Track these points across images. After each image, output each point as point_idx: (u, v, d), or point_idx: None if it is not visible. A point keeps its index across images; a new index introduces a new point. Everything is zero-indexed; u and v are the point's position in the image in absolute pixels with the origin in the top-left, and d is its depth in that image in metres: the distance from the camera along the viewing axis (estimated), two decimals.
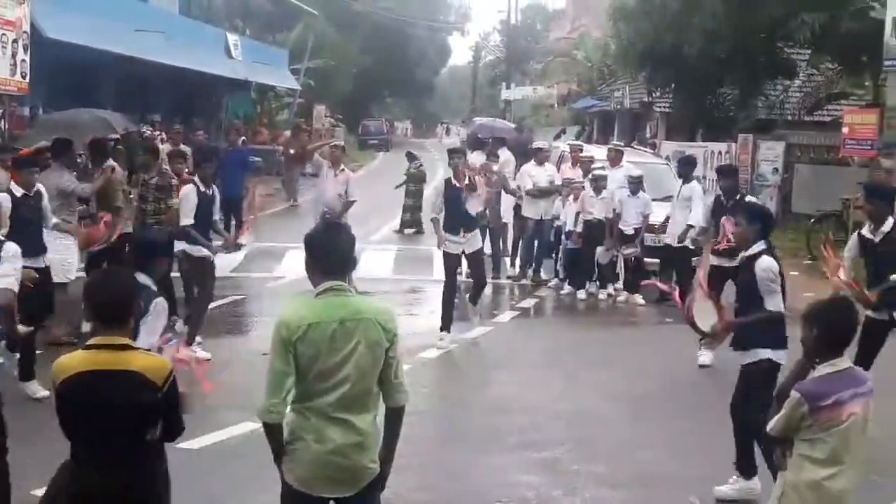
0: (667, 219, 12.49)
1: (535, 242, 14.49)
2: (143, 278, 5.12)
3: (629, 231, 13.26)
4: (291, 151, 25.25)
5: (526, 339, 11.55)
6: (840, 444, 4.31)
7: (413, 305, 13.00)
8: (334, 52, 48.02)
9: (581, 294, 13.48)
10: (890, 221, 7.43)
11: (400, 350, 4.14)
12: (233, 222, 16.66)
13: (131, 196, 10.98)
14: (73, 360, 3.90)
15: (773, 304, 6.16)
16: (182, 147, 15.10)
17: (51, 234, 9.74)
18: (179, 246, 9.80)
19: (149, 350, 4.26)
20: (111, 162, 10.25)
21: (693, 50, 21.82)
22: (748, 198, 10.91)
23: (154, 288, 5.75)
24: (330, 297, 4.06)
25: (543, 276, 14.56)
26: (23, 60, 17.90)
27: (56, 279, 9.85)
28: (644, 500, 6.53)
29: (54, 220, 9.19)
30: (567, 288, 13.77)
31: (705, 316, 6.70)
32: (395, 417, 4.18)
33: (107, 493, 3.84)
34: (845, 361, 4.42)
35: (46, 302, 8.55)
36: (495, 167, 14.51)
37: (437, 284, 13.94)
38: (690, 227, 12.46)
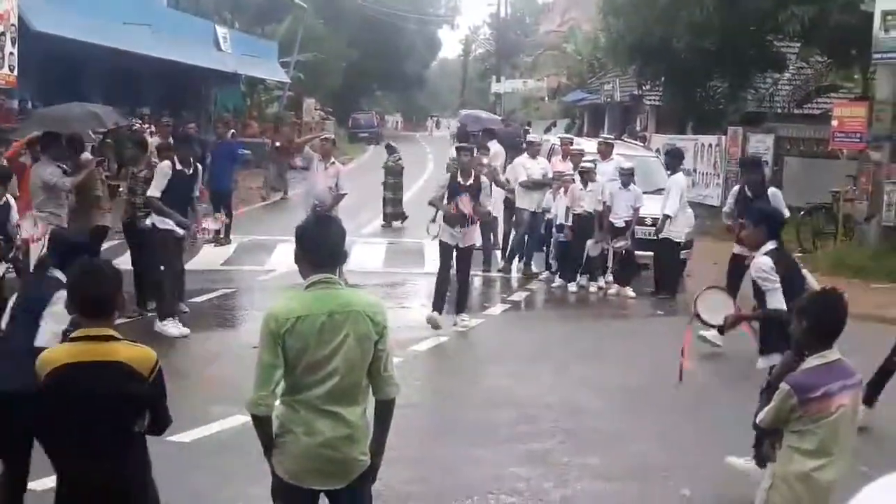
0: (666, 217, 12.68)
1: (527, 235, 14.48)
2: (57, 273, 5.12)
3: (620, 224, 13.29)
4: (278, 144, 25.24)
5: (517, 331, 11.56)
6: (829, 436, 4.33)
7: (404, 298, 12.99)
8: (324, 45, 47.91)
9: (572, 287, 13.49)
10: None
11: (389, 343, 4.13)
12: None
13: (120, 189, 10.99)
14: (58, 353, 3.91)
15: (773, 301, 6.15)
16: (171, 140, 15.05)
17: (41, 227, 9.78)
18: (150, 219, 10.18)
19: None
20: (87, 155, 10.27)
21: (682, 43, 21.81)
22: (771, 189, 10.81)
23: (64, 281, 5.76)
24: (319, 290, 4.05)
25: (534, 269, 14.57)
26: (11, 53, 17.82)
27: None
28: (636, 492, 6.54)
29: (40, 213, 9.29)
30: (558, 281, 13.77)
31: (719, 307, 6.80)
32: (385, 410, 4.17)
33: (92, 485, 3.83)
34: (834, 353, 4.44)
35: None
36: (485, 160, 14.50)
37: (428, 277, 13.97)
38: (667, 217, 12.67)
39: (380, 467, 4.22)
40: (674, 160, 13.44)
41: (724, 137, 22.47)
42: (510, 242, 14.83)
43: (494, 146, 16.02)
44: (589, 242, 13.38)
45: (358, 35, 58.39)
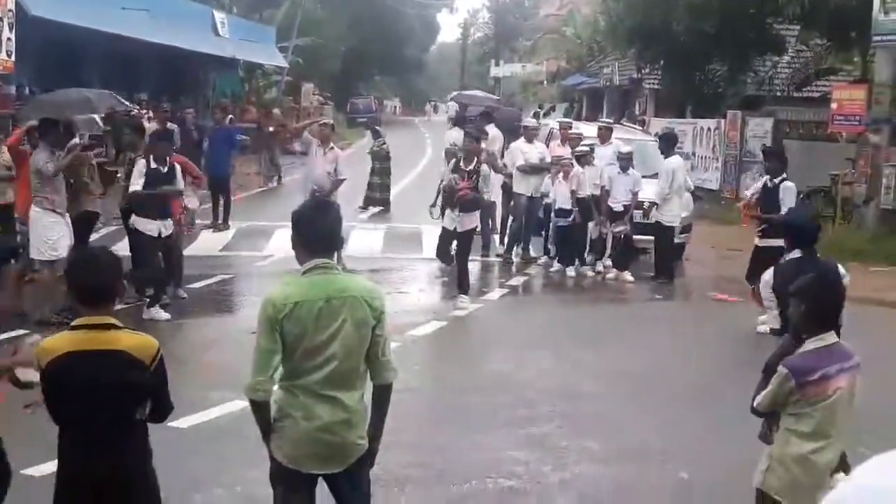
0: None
1: (524, 220, 14.45)
2: None
3: (618, 208, 13.28)
4: (271, 129, 25.15)
5: (515, 316, 11.56)
6: (826, 419, 4.33)
7: (402, 283, 12.98)
8: (322, 29, 47.74)
9: (570, 271, 13.49)
10: None
11: (387, 328, 4.14)
12: (220, 201, 16.64)
13: (118, 175, 11.00)
14: (59, 342, 3.86)
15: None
16: (169, 126, 15.04)
17: (36, 212, 9.82)
18: (131, 220, 10.39)
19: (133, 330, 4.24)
20: (75, 141, 10.29)
21: (682, 26, 21.78)
22: (785, 183, 10.64)
23: None
24: (316, 276, 4.05)
25: (532, 253, 14.55)
26: (8, 39, 17.77)
27: (40, 257, 9.89)
28: (634, 475, 6.55)
29: (37, 198, 9.48)
30: (556, 265, 13.76)
31: None
32: (382, 395, 4.19)
33: (94, 474, 3.82)
34: (832, 336, 4.43)
35: None
36: (483, 144, 14.44)
37: (427, 262, 14.01)
38: (654, 204, 12.73)
39: (378, 451, 4.23)
40: (667, 144, 13.42)
41: (723, 121, 22.46)
42: (508, 229, 14.80)
43: (492, 130, 15.98)
44: (590, 225, 13.41)
45: (356, 19, 58.14)
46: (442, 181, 12.24)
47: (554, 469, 6.52)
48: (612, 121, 18.97)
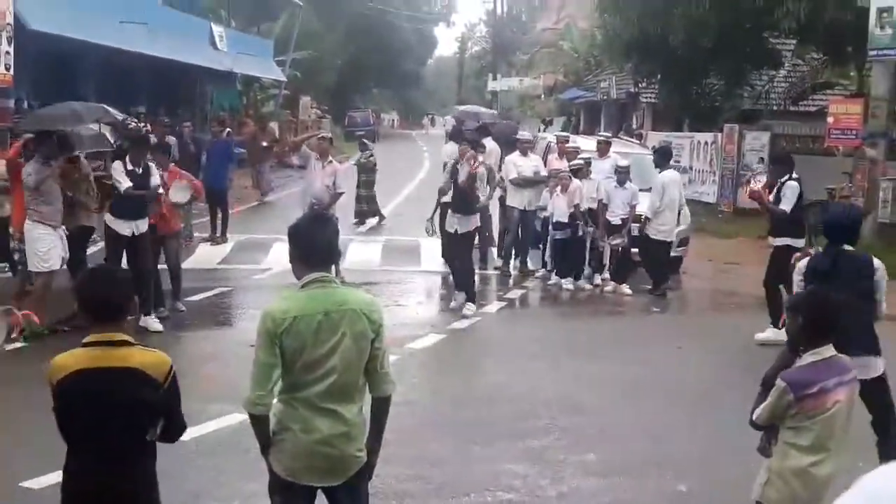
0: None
1: (520, 233, 14.47)
2: None
3: (616, 221, 13.31)
4: (264, 144, 25.13)
5: (513, 329, 11.57)
6: (825, 432, 4.34)
7: (400, 296, 12.98)
8: (320, 42, 47.83)
9: (568, 284, 13.49)
10: None
11: (386, 340, 4.15)
12: (218, 214, 16.65)
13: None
14: (72, 358, 3.80)
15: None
16: (167, 139, 15.05)
17: (27, 224, 9.87)
18: (105, 216, 10.47)
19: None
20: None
21: (678, 40, 21.83)
22: (789, 182, 10.59)
23: None
24: (314, 289, 4.06)
25: (530, 266, 14.57)
26: (7, 52, 17.78)
27: (35, 269, 9.90)
28: (632, 488, 6.55)
29: (28, 210, 9.60)
30: (554, 278, 13.77)
31: None
32: (381, 407, 4.19)
33: (102, 492, 3.77)
34: (830, 350, 4.44)
35: None
36: (480, 157, 14.47)
37: (425, 275, 14.02)
38: (647, 219, 12.82)
39: (376, 464, 4.23)
40: (662, 158, 13.48)
41: (720, 135, 22.49)
42: (504, 243, 14.81)
43: (489, 143, 15.99)
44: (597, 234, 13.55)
45: (354, 33, 58.30)
46: (440, 190, 12.44)
47: (552, 482, 6.51)
48: (609, 134, 18.99)
